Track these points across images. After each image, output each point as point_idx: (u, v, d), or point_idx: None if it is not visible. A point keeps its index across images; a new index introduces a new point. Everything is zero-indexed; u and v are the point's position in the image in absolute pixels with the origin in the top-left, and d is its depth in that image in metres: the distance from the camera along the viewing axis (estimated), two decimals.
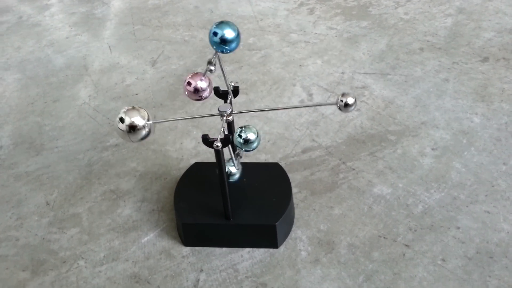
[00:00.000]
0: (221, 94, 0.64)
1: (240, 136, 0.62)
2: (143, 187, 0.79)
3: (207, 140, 0.57)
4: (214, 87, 0.64)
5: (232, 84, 0.65)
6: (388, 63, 1.05)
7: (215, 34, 0.51)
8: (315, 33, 1.18)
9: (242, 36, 1.19)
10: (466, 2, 1.25)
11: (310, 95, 0.98)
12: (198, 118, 0.94)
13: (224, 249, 0.68)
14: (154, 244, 0.70)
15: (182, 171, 0.78)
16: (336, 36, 1.16)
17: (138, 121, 0.56)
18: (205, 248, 0.69)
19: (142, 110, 0.57)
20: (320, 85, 1.00)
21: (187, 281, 0.65)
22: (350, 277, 0.64)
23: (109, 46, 1.20)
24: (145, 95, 1.01)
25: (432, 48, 1.08)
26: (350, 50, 1.10)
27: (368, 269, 0.65)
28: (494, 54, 1.04)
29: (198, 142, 0.87)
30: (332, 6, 1.30)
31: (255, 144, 0.63)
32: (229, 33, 0.51)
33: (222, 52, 0.53)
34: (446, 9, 1.23)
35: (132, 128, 0.56)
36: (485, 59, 1.03)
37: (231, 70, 1.07)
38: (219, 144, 0.56)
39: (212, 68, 0.55)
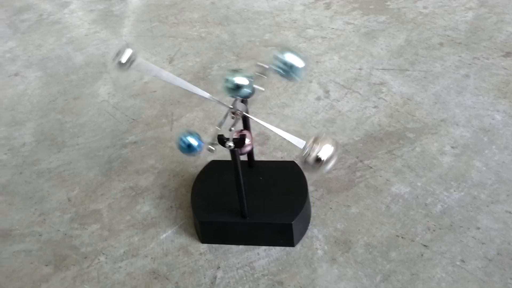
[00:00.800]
0: None
1: (277, 58, 0.51)
2: (161, 184, 0.80)
3: (222, 140, 0.58)
4: None
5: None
6: (407, 58, 1.03)
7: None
8: (332, 28, 1.17)
9: (257, 33, 1.19)
10: None
11: (327, 91, 0.97)
12: (215, 116, 0.94)
13: (241, 246, 0.69)
14: (172, 240, 0.71)
15: (199, 169, 0.79)
16: (353, 31, 1.15)
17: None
18: (222, 245, 0.69)
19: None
20: (337, 82, 0.99)
21: (204, 277, 0.66)
22: (367, 277, 0.64)
23: (127, 43, 1.21)
24: (162, 92, 1.02)
25: (452, 43, 1.06)
26: (368, 46, 1.09)
27: (386, 269, 0.64)
28: None
29: (214, 139, 0.88)
30: (349, 0, 1.28)
31: (302, 72, 0.53)
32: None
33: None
34: (467, 2, 1.20)
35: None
36: (508, 54, 1.01)
37: (247, 66, 1.07)
38: (231, 144, 0.57)
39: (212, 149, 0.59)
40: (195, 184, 0.73)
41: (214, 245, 0.70)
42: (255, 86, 0.57)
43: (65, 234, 0.74)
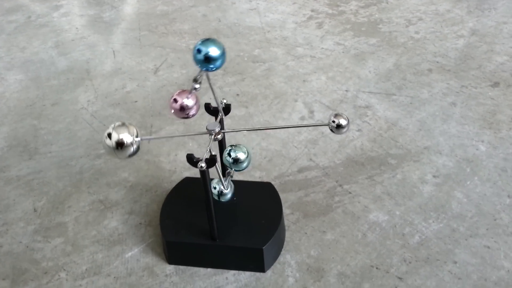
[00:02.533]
0: (212, 111, 0.62)
1: (229, 155, 0.60)
2: (132, 199, 0.77)
3: (191, 160, 0.55)
4: (206, 104, 0.62)
5: (225, 101, 0.63)
6: (394, 83, 1.02)
7: (199, 51, 0.49)
8: (322, 48, 1.16)
9: (247, 48, 1.18)
10: (480, 24, 1.22)
11: (311, 112, 0.95)
12: (195, 129, 0.92)
13: (209, 269, 0.66)
14: (137, 260, 0.68)
15: (174, 184, 0.76)
16: (343, 52, 1.14)
17: (126, 137, 0.54)
18: (189, 267, 0.66)
19: (131, 127, 0.55)
20: (323, 102, 0.98)
21: None
22: None
23: (113, 51, 1.19)
24: (144, 103, 1.00)
25: (441, 70, 1.05)
26: (356, 68, 1.08)
27: None
28: (505, 79, 1.01)
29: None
30: (341, 21, 1.27)
31: (245, 164, 0.61)
32: (214, 51, 0.49)
33: (207, 70, 0.51)
34: (458, 30, 1.20)
35: (120, 144, 0.53)
36: (496, 84, 1.00)
37: (233, 81, 1.05)
38: (203, 164, 0.54)
39: (197, 86, 0.52)
40: (165, 201, 0.71)
41: (181, 267, 0.66)
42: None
43: (27, 247, 0.71)
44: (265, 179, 0.80)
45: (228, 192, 0.63)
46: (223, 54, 0.50)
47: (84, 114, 0.97)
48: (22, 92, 1.05)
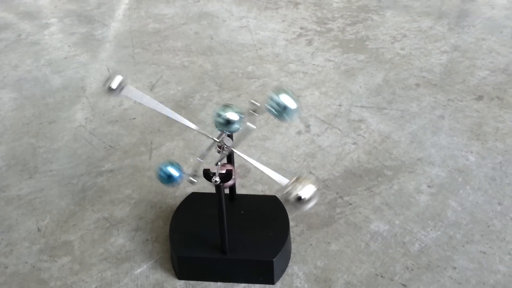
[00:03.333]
0: None
1: (272, 99, 0.52)
2: (137, 216, 0.78)
3: (208, 175, 0.57)
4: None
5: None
6: (385, 97, 1.07)
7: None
8: (313, 64, 1.20)
9: (240, 64, 1.20)
10: (461, 40, 1.28)
11: (308, 126, 0.98)
12: (195, 146, 0.94)
13: (219, 283, 0.67)
14: (147, 276, 0.68)
15: (178, 200, 0.77)
16: (333, 68, 1.18)
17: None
18: (199, 282, 0.67)
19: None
20: (318, 117, 1.01)
21: None
22: None
23: (108, 68, 1.20)
24: (142, 119, 1.01)
25: (428, 84, 1.11)
26: (347, 83, 1.12)
27: None
28: (488, 92, 1.07)
29: (195, 170, 0.87)
30: (330, 38, 1.32)
31: (294, 114, 0.53)
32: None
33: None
34: (441, 46, 1.26)
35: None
36: (480, 98, 1.05)
37: (229, 97, 1.08)
38: (217, 179, 0.56)
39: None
40: (174, 216, 0.72)
41: (191, 282, 0.67)
42: (248, 123, 0.57)
43: (33, 267, 0.70)
44: (267, 193, 0.82)
45: (238, 122, 0.56)
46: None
47: (82, 132, 0.97)
48: (18, 110, 1.04)
